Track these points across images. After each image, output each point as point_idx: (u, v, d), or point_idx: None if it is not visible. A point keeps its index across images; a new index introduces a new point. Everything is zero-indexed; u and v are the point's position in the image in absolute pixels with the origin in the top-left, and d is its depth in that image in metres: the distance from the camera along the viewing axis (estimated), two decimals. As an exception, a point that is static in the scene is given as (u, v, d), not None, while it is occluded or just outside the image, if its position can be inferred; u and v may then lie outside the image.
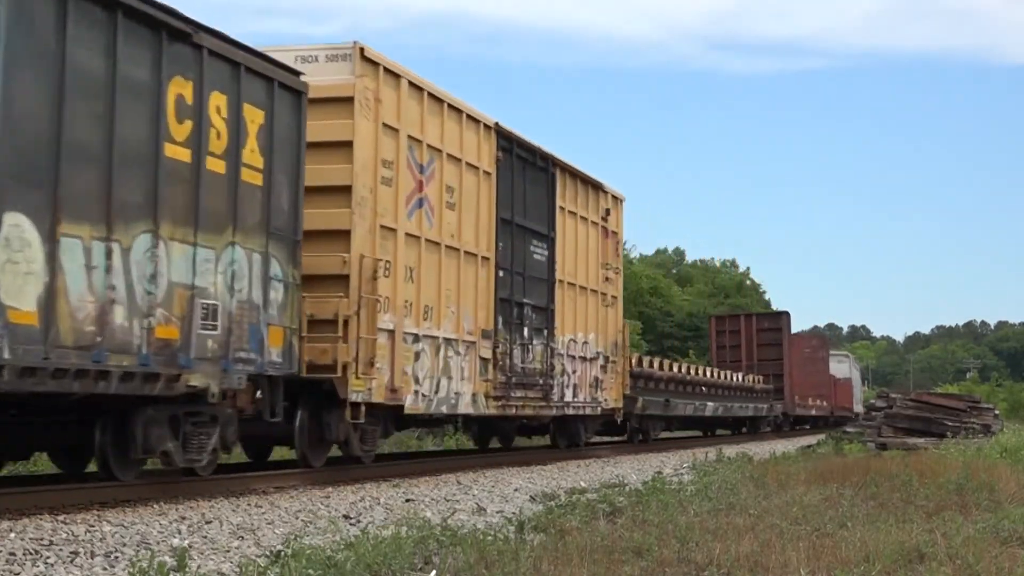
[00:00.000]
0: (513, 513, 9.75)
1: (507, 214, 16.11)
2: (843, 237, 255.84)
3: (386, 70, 13.16)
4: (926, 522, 8.67)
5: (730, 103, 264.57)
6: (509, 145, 16.31)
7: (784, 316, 40.79)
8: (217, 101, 10.16)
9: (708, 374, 29.75)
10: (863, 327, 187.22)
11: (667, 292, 61.13)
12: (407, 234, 13.45)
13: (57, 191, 8.27)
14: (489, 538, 7.40)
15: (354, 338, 12.14)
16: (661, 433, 27.03)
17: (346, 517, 9.16)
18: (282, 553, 6.54)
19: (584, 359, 19.08)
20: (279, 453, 16.74)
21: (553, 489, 12.41)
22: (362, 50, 12.73)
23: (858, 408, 56.58)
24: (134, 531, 7.65)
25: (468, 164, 15.05)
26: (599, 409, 19.89)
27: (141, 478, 10.19)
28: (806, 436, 37.16)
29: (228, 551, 7.11)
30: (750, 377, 34.36)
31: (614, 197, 20.97)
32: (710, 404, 29.04)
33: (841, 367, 54.89)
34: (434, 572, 6.42)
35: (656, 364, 25.68)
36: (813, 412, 44.25)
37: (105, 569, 6.33)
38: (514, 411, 16.40)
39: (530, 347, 16.68)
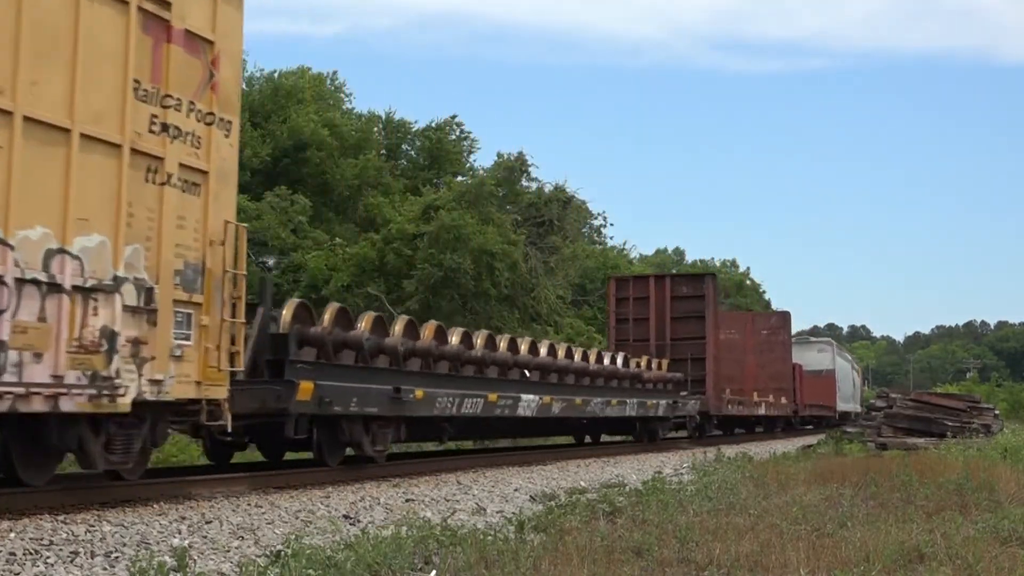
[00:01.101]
0: (513, 513, 9.75)
1: None
2: (843, 237, 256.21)
3: None
4: (926, 522, 8.67)
5: (731, 103, 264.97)
6: None
7: (708, 280, 28.80)
8: None
9: (538, 351, 18.20)
10: (863, 327, 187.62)
11: (667, 292, 61.02)
12: None
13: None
14: (489, 538, 7.40)
15: None
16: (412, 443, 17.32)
17: (346, 517, 9.16)
18: (282, 553, 6.54)
19: (50, 288, 8.27)
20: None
21: (553, 489, 12.42)
22: None
23: (847, 406, 49.90)
24: (134, 531, 7.65)
25: None
26: (120, 399, 8.87)
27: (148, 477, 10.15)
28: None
29: (228, 551, 7.11)
30: (642, 360, 23.61)
31: None
32: (531, 398, 16.93)
33: (821, 357, 46.67)
34: (434, 572, 6.42)
35: (398, 327, 14.18)
36: (762, 411, 33.12)
37: (105, 569, 6.33)
38: None
39: None
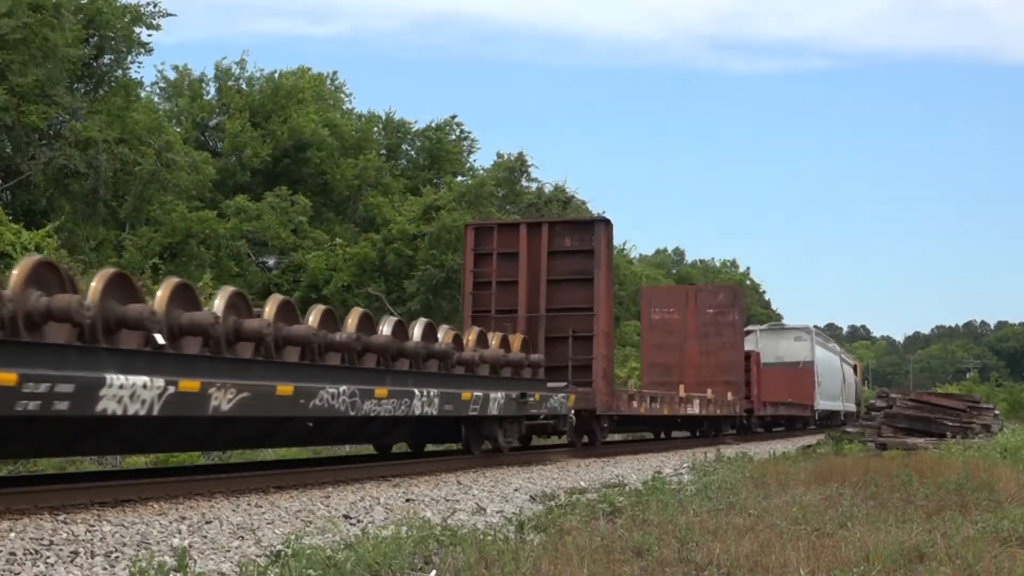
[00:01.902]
0: (513, 513, 9.75)
1: None
2: (843, 237, 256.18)
3: None
4: (926, 522, 8.67)
5: (732, 103, 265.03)
6: None
7: (600, 228, 20.06)
8: None
9: (198, 303, 10.36)
10: (863, 327, 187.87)
11: (667, 292, 60.97)
12: None
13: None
14: (489, 538, 7.40)
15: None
16: None
17: (346, 517, 9.16)
18: (282, 553, 6.55)
19: None
20: (280, 453, 16.73)
21: (553, 489, 12.41)
22: None
23: (832, 405, 44.13)
24: (134, 531, 7.65)
25: None
26: None
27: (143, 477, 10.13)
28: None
29: (228, 551, 7.11)
30: (469, 334, 15.59)
31: None
32: (140, 384, 8.95)
33: (798, 347, 39.95)
34: (434, 572, 6.42)
35: None
36: (695, 410, 24.93)
37: (105, 569, 6.33)
38: None
39: None
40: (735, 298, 30.99)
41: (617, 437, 26.57)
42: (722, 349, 29.52)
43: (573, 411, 18.11)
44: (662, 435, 28.06)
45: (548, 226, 20.43)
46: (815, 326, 45.02)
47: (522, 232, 20.23)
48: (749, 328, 43.04)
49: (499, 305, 19.80)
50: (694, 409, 25.05)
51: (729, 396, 27.88)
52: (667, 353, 29.39)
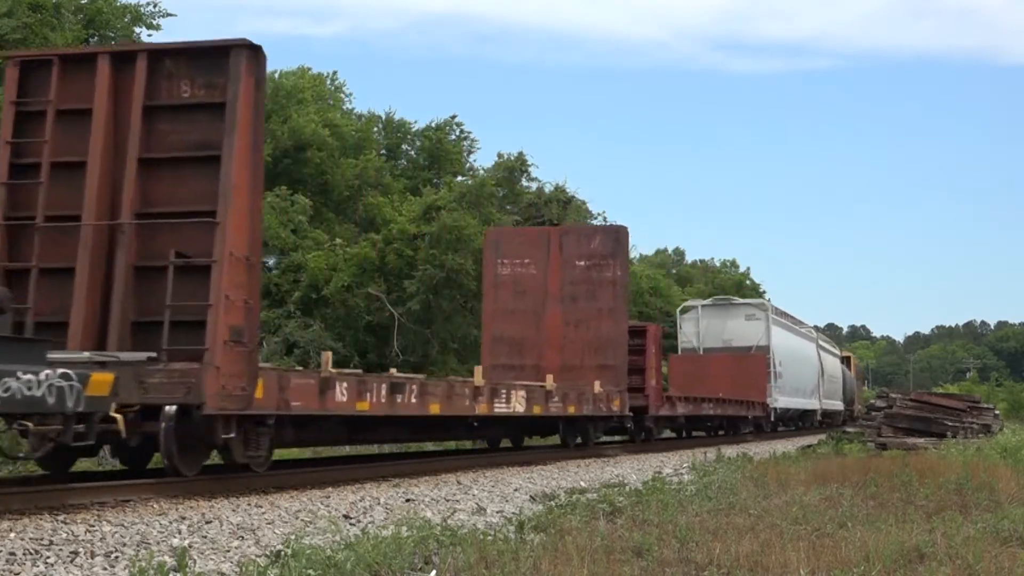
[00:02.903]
0: (513, 513, 9.76)
1: None
2: (844, 237, 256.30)
3: None
4: (926, 522, 8.68)
5: (733, 103, 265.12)
6: None
7: (239, 59, 10.27)
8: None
9: None
10: (863, 327, 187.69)
11: (667, 292, 60.99)
12: None
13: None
14: (489, 538, 7.41)
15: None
16: None
17: (346, 517, 9.16)
18: (282, 553, 6.55)
19: None
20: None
21: (553, 489, 12.42)
22: None
23: (799, 402, 36.38)
24: (134, 531, 7.65)
25: None
26: None
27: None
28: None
29: (228, 551, 7.11)
30: None
31: None
32: None
33: (749, 328, 32.52)
34: (434, 572, 6.42)
35: None
36: (519, 407, 15.97)
37: (105, 569, 6.33)
38: None
39: None
40: (617, 244, 20.97)
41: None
42: (597, 318, 20.39)
43: (139, 406, 9.70)
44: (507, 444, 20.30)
45: (147, 57, 10.96)
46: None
47: (102, 70, 10.92)
48: (689, 303, 37.01)
49: (52, 207, 10.76)
50: (510, 406, 15.80)
51: (597, 387, 19.07)
52: (518, 323, 20.53)
